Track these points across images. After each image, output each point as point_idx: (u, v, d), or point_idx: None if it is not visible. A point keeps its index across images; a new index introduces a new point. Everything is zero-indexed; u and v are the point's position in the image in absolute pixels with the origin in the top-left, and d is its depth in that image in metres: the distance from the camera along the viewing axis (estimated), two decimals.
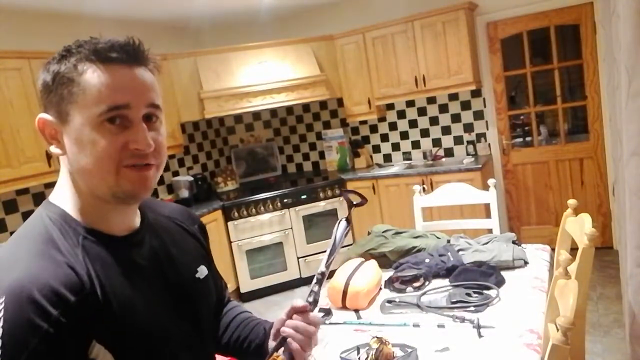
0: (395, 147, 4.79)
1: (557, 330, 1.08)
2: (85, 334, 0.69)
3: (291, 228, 4.24)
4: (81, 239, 0.75)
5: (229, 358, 1.10)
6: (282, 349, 0.89)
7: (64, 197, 0.79)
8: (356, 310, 1.76)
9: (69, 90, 0.73)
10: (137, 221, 0.86)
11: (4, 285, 0.65)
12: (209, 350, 0.98)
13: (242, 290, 4.17)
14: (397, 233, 2.28)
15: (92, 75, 0.72)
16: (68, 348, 0.66)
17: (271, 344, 0.94)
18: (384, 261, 2.10)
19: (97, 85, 0.72)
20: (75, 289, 0.68)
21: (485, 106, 4.32)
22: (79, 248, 0.73)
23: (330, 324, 1.67)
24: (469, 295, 1.69)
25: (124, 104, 0.73)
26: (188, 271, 0.91)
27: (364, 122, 4.84)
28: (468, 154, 4.39)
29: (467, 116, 4.40)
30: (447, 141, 4.54)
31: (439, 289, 1.81)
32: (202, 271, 0.94)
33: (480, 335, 1.45)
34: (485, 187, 2.65)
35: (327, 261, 0.96)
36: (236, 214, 4.09)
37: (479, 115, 4.36)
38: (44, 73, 0.76)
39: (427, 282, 1.88)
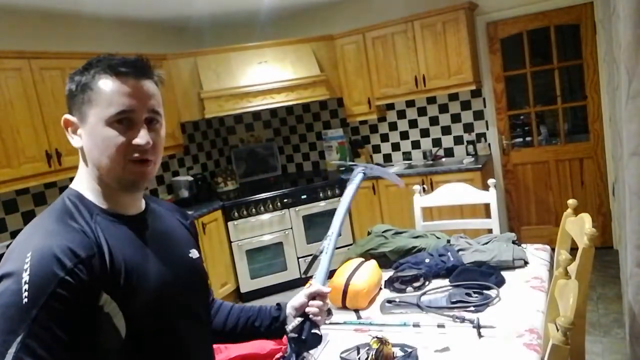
0: (395, 147, 4.79)
1: (557, 330, 1.08)
2: (94, 285, 0.83)
3: (291, 228, 4.24)
4: (95, 215, 0.91)
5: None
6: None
7: (82, 183, 0.95)
8: (356, 310, 1.76)
9: (88, 96, 0.90)
10: (143, 206, 1.02)
11: (31, 245, 0.82)
12: (209, 325, 1.15)
13: (242, 290, 4.18)
14: (397, 233, 2.28)
15: (106, 84, 0.89)
16: (80, 294, 0.81)
17: (290, 317, 1.19)
18: (384, 261, 2.10)
19: (109, 92, 0.89)
20: (86, 248, 0.84)
21: (485, 106, 4.32)
22: (92, 221, 0.89)
23: (330, 324, 1.67)
24: (469, 295, 1.69)
25: (129, 108, 0.90)
26: (183, 251, 1.07)
27: (364, 122, 4.84)
28: (468, 154, 4.39)
29: (467, 116, 4.41)
30: (447, 141, 4.54)
31: (439, 289, 1.81)
32: (194, 253, 1.09)
33: (480, 335, 1.45)
34: (485, 187, 2.65)
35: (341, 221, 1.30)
36: (236, 214, 4.09)
37: (479, 115, 4.36)
38: (69, 82, 0.93)
39: (427, 282, 1.88)
